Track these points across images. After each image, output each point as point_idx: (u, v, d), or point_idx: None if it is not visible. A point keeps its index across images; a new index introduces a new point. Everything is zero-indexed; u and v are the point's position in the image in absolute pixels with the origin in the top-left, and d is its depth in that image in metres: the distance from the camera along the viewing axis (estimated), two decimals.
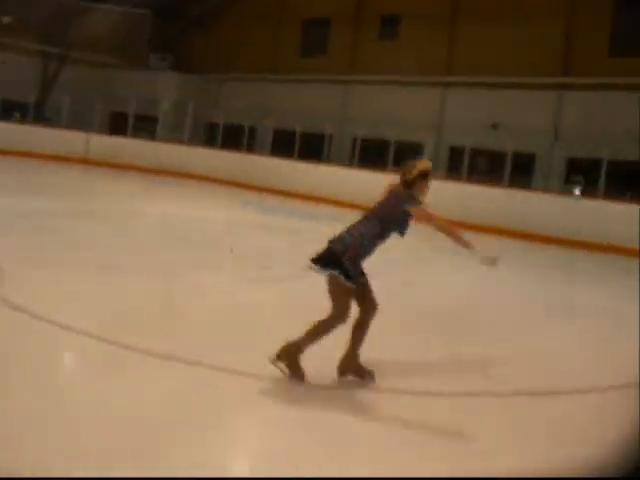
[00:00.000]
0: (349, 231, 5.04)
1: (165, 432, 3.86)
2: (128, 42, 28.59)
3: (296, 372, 4.88)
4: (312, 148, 24.25)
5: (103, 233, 10.78)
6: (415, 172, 5.20)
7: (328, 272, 4.88)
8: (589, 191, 19.85)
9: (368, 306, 5.10)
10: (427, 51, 24.32)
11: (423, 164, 5.29)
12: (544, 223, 17.25)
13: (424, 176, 5.22)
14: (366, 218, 5.13)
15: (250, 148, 26.43)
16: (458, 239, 5.14)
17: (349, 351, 5.10)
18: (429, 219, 5.10)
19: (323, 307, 4.82)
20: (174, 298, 7.09)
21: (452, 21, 24.55)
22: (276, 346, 4.81)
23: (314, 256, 4.96)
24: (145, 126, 28.99)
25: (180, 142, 26.16)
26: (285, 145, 24.63)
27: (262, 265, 9.41)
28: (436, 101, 24.67)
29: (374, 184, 20.00)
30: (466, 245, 5.10)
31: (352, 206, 19.76)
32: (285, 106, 26.45)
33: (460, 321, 7.60)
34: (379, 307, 5.08)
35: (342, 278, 4.83)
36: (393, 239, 5.10)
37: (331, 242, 5.00)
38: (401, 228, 5.16)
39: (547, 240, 16.63)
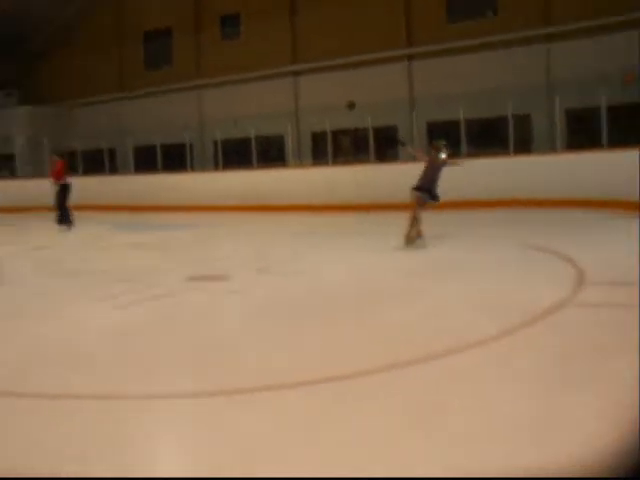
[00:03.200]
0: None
1: None
2: None
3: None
4: (174, 159, 23.94)
5: None
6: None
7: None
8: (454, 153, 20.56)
9: None
10: (271, 44, 24.47)
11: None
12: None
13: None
14: None
15: (113, 170, 25.86)
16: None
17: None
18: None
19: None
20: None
21: (292, 11, 24.71)
22: None
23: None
24: (2, 165, 28.10)
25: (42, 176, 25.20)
26: (147, 161, 24.18)
27: (148, 284, 8.86)
28: (289, 91, 24.82)
29: (243, 183, 19.74)
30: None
31: (228, 208, 19.47)
32: (140, 122, 26.04)
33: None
34: None
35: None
36: None
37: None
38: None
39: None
